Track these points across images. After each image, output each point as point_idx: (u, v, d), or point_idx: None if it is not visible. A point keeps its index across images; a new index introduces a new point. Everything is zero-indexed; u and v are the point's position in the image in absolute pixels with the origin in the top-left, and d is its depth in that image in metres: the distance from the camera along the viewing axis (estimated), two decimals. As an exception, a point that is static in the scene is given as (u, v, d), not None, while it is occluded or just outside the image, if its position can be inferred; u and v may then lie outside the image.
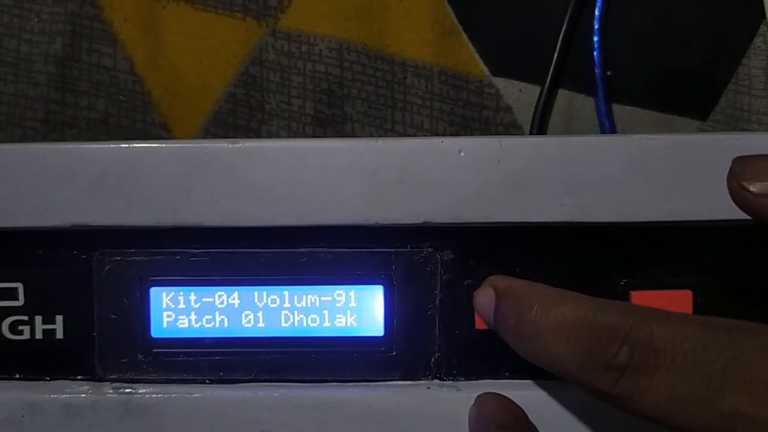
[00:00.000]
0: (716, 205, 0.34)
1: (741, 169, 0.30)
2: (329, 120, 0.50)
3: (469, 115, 0.50)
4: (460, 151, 0.35)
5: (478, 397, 0.35)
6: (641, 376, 0.28)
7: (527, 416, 0.35)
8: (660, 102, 0.49)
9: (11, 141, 0.51)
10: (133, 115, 0.51)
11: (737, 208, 0.30)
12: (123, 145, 0.35)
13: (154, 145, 0.35)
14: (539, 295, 0.32)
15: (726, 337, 0.27)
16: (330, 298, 0.37)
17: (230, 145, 0.35)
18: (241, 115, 0.51)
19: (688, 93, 0.49)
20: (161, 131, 0.51)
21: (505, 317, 0.33)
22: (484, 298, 0.35)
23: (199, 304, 0.37)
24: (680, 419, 0.27)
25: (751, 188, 0.29)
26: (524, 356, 0.33)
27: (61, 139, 0.51)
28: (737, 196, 0.30)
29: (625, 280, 0.36)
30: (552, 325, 0.31)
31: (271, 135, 0.50)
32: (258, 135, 0.50)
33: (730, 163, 0.32)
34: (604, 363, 0.28)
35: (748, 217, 0.33)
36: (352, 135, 0.50)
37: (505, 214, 0.35)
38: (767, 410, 0.26)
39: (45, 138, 0.51)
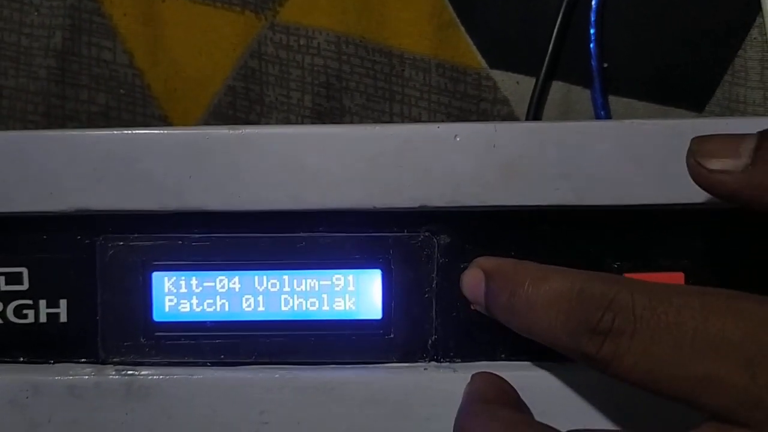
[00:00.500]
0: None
1: (698, 147, 0.31)
2: (328, 112, 0.51)
3: (467, 107, 0.50)
4: (456, 137, 0.35)
5: (472, 375, 0.36)
6: (621, 340, 0.29)
7: (518, 394, 0.35)
8: (656, 94, 0.49)
9: (14, 133, 0.51)
10: (134, 109, 0.51)
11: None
12: (125, 132, 0.35)
13: (156, 131, 0.36)
14: (529, 271, 0.33)
15: (700, 303, 0.28)
16: (329, 282, 0.37)
17: (231, 132, 0.35)
18: (241, 108, 0.51)
19: (685, 85, 0.49)
20: (161, 124, 0.51)
21: (497, 295, 0.34)
22: (473, 278, 0.36)
23: (201, 288, 0.37)
24: (655, 381, 0.28)
25: (708, 165, 0.31)
26: (516, 330, 0.34)
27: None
28: (695, 172, 0.32)
29: (618, 263, 0.37)
30: (543, 298, 0.32)
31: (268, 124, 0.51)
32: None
33: None
34: (589, 329, 0.30)
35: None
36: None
37: (500, 199, 0.35)
38: (734, 371, 0.27)
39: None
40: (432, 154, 0.35)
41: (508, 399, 0.35)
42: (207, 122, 0.51)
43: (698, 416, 0.29)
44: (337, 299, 0.37)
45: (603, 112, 0.49)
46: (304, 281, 0.37)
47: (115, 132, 0.35)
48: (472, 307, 0.36)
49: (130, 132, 0.35)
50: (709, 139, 0.32)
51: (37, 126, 0.51)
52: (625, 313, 0.29)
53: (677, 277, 0.36)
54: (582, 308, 0.30)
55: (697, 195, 0.35)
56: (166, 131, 0.36)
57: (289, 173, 0.35)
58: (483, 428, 0.32)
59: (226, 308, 0.37)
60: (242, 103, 0.51)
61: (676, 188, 0.35)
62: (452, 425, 0.35)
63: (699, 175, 0.31)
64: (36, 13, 0.51)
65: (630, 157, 0.35)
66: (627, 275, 0.36)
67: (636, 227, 0.37)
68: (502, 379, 0.36)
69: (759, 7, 0.48)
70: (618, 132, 0.35)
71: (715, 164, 0.31)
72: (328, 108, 0.50)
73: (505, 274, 0.34)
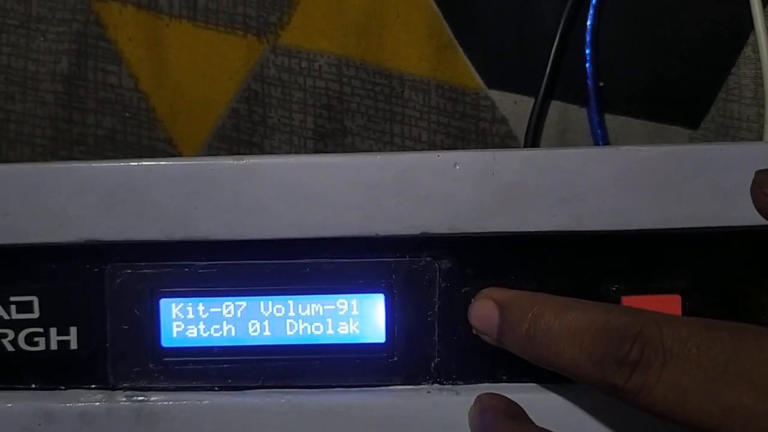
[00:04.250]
0: (704, 213, 0.36)
1: (764, 178, 0.33)
2: (330, 134, 0.51)
3: (466, 127, 0.51)
4: (455, 165, 0.36)
5: (478, 396, 0.37)
6: (651, 372, 0.29)
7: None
8: (652, 111, 0.50)
9: (21, 158, 0.52)
10: (139, 132, 0.52)
11: (728, 211, 0.34)
12: (132, 163, 0.36)
13: (162, 162, 0.36)
14: (548, 303, 0.34)
15: (728, 336, 0.29)
16: (333, 307, 0.38)
17: (235, 162, 0.36)
18: (244, 129, 0.52)
19: (679, 102, 0.50)
20: (166, 147, 0.52)
21: (514, 326, 0.34)
22: (484, 309, 0.36)
23: (207, 314, 0.38)
24: (685, 412, 0.29)
25: None
26: (534, 361, 0.34)
27: (70, 156, 0.52)
28: (759, 201, 0.33)
29: (616, 286, 0.37)
30: (566, 330, 0.32)
31: (273, 149, 0.51)
32: (261, 149, 0.51)
33: (716, 173, 0.35)
34: (617, 361, 0.30)
35: (732, 225, 0.34)
36: (352, 148, 0.51)
37: (499, 225, 0.36)
38: (764, 402, 0.28)
39: (54, 155, 0.52)
40: (432, 182, 0.36)
41: (524, 414, 0.36)
42: (211, 144, 0.52)
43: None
44: (341, 323, 0.38)
45: (599, 131, 0.49)
46: (308, 306, 0.38)
47: (122, 164, 0.36)
48: (474, 332, 0.37)
49: (136, 164, 0.36)
50: None
51: (45, 149, 0.52)
52: (655, 345, 0.30)
53: (674, 300, 0.37)
54: (609, 339, 0.31)
55: (693, 219, 0.36)
56: (171, 162, 0.36)
57: (292, 202, 0.36)
58: None
59: (233, 333, 0.38)
60: (246, 125, 0.52)
61: (672, 213, 0.36)
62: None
63: (763, 204, 0.33)
64: (42, 39, 0.52)
65: (627, 182, 0.36)
66: (625, 298, 0.37)
67: (633, 251, 0.37)
68: (510, 399, 0.36)
69: (752, 25, 0.48)
70: (615, 158, 0.36)
71: None
72: (329, 129, 0.51)
73: (522, 305, 0.34)
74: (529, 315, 0.33)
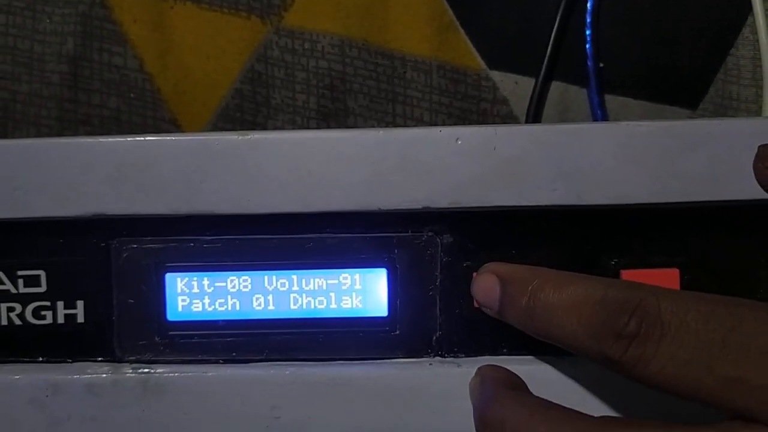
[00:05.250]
0: (702, 187, 0.36)
1: (765, 152, 0.34)
2: (332, 114, 0.52)
3: (467, 107, 0.51)
4: (457, 140, 0.36)
5: (479, 368, 0.37)
6: (649, 344, 0.30)
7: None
8: (651, 92, 0.51)
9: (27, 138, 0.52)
10: (144, 112, 0.53)
11: (726, 186, 0.35)
12: (139, 139, 0.37)
13: (168, 138, 0.37)
14: (549, 276, 0.34)
15: (725, 310, 0.30)
16: (336, 281, 0.38)
17: (240, 137, 0.37)
18: (248, 110, 0.52)
19: (679, 83, 0.50)
20: (171, 127, 0.52)
21: (514, 299, 0.35)
22: (486, 283, 0.36)
23: (212, 288, 0.38)
24: (682, 384, 0.29)
25: None
26: (532, 334, 0.34)
27: (75, 136, 0.52)
28: (760, 174, 0.34)
29: (615, 260, 0.38)
30: (566, 302, 0.33)
31: (276, 129, 0.52)
32: (264, 129, 0.52)
33: (713, 147, 0.35)
34: (615, 333, 0.31)
35: (730, 199, 0.35)
36: (354, 128, 0.51)
37: (500, 199, 0.36)
38: (762, 374, 0.28)
39: (59, 135, 0.52)
40: (434, 157, 0.36)
41: (524, 384, 0.36)
42: (215, 124, 0.52)
43: (705, 412, 0.30)
44: (344, 297, 0.38)
45: (599, 111, 0.50)
46: (312, 280, 0.38)
47: (129, 139, 0.37)
48: (475, 305, 0.37)
49: (143, 139, 0.37)
50: None
51: (51, 130, 0.52)
52: (652, 317, 0.30)
53: (672, 274, 0.37)
54: (607, 312, 0.31)
55: (691, 194, 0.36)
56: (177, 138, 0.37)
57: (296, 177, 0.37)
58: (514, 413, 0.33)
59: (237, 307, 0.38)
60: (249, 105, 0.52)
61: (670, 187, 0.36)
62: (456, 419, 0.36)
63: (765, 177, 0.34)
64: (48, 21, 0.53)
65: (626, 157, 0.36)
66: (623, 272, 0.37)
67: (632, 225, 0.38)
68: (510, 371, 0.37)
69: (750, 7, 0.48)
70: (614, 133, 0.36)
71: None
72: (332, 109, 0.52)
73: (523, 278, 0.35)
74: (530, 288, 0.34)
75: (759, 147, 0.34)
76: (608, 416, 0.33)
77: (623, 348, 0.30)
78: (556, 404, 0.33)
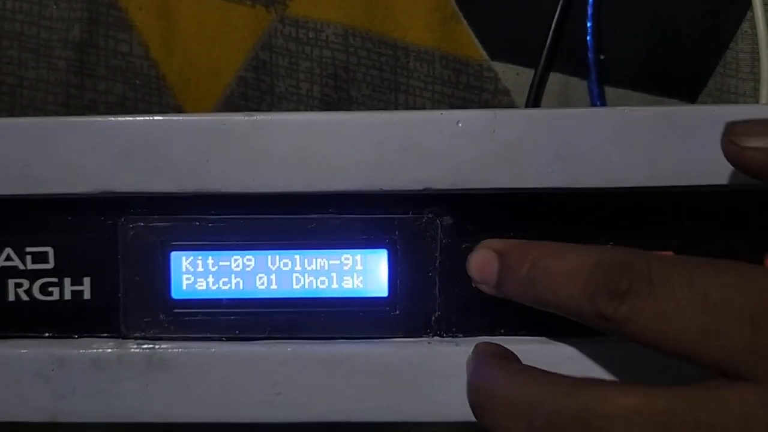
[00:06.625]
0: (697, 171, 0.37)
1: (733, 128, 0.34)
2: (336, 103, 0.52)
3: (469, 97, 0.52)
4: (458, 123, 0.37)
5: (476, 345, 0.38)
6: (637, 300, 0.31)
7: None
8: (650, 84, 0.51)
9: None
10: (149, 99, 0.53)
11: (720, 171, 0.36)
12: (147, 118, 0.37)
13: (175, 118, 0.37)
14: (547, 246, 0.35)
15: (711, 268, 0.31)
16: (338, 262, 0.39)
17: (246, 118, 0.37)
18: (252, 98, 0.53)
19: (678, 76, 0.51)
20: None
21: (514, 270, 0.35)
22: (483, 258, 0.37)
23: (217, 267, 0.39)
24: (666, 339, 0.31)
25: (740, 143, 0.33)
26: (532, 303, 0.35)
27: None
28: (727, 150, 0.34)
29: (611, 242, 0.38)
30: (565, 268, 0.34)
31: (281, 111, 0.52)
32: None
33: (708, 133, 0.36)
34: (608, 291, 0.32)
35: (724, 183, 0.36)
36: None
37: (500, 181, 0.37)
38: (741, 326, 0.29)
39: (66, 119, 0.53)
40: (435, 140, 0.37)
41: (512, 355, 0.37)
42: (220, 112, 0.53)
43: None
44: (345, 278, 0.39)
45: (599, 102, 0.50)
46: (314, 260, 0.39)
47: (138, 118, 0.37)
48: (474, 285, 0.38)
49: (150, 118, 0.37)
50: (743, 122, 0.34)
51: (57, 115, 0.53)
52: (642, 275, 0.31)
53: (667, 256, 0.38)
54: (602, 274, 0.32)
55: (686, 178, 0.37)
56: (184, 117, 0.37)
57: (300, 157, 0.37)
58: (503, 379, 0.34)
59: (241, 286, 0.39)
60: (253, 93, 0.53)
61: (666, 171, 0.37)
62: (454, 396, 0.37)
63: (731, 152, 0.34)
64: (55, 7, 0.53)
65: (623, 141, 0.37)
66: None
67: (628, 208, 0.38)
68: (505, 347, 0.38)
69: (750, 2, 0.49)
70: (612, 118, 0.37)
71: (746, 142, 0.33)
72: (335, 98, 0.52)
73: (522, 251, 0.36)
74: (529, 257, 0.35)
75: (726, 124, 0.34)
76: (591, 377, 0.33)
77: (615, 305, 0.31)
78: (542, 369, 0.34)
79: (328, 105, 0.52)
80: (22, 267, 0.39)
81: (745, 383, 0.29)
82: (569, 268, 0.33)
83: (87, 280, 0.39)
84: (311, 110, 0.52)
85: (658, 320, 0.31)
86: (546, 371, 0.34)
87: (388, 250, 0.39)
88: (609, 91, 0.51)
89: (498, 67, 0.52)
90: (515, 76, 0.52)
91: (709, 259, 0.32)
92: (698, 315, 0.30)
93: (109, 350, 0.38)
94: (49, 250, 0.39)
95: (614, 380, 0.33)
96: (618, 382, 0.32)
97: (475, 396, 0.35)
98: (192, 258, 0.39)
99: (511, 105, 0.51)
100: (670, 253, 0.38)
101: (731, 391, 0.29)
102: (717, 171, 0.37)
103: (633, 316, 0.31)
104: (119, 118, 0.37)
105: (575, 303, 0.33)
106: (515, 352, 0.37)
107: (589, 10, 0.51)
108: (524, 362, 0.37)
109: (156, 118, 0.37)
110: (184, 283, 0.39)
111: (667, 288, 0.31)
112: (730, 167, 0.35)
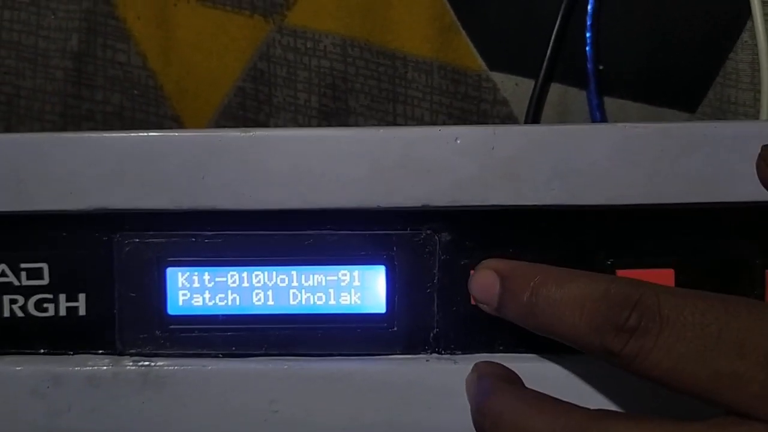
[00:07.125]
0: (697, 189, 0.37)
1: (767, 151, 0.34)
2: (334, 113, 0.52)
3: (468, 108, 0.52)
4: (456, 139, 0.37)
5: (476, 364, 0.37)
6: (647, 338, 0.31)
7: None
8: (650, 95, 0.51)
9: (31, 133, 0.53)
10: (147, 109, 0.53)
11: (720, 188, 0.36)
12: (142, 134, 0.37)
13: (170, 133, 0.37)
14: (550, 272, 0.35)
15: (722, 306, 0.30)
16: (335, 278, 0.39)
17: (242, 134, 0.37)
18: (250, 108, 0.53)
19: (678, 86, 0.51)
20: (173, 124, 0.53)
21: (515, 295, 0.35)
22: (485, 279, 0.37)
23: (213, 283, 0.39)
24: (679, 378, 0.30)
25: None
26: (534, 329, 0.35)
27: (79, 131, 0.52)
28: (764, 174, 0.34)
29: (611, 260, 0.38)
30: (567, 298, 0.33)
31: (278, 127, 0.52)
32: (266, 127, 0.52)
33: (709, 150, 0.36)
34: (616, 327, 0.31)
35: (725, 201, 0.35)
36: (355, 126, 0.52)
37: (499, 198, 0.37)
38: (755, 369, 0.29)
39: (63, 131, 0.52)
40: (434, 156, 0.37)
41: (521, 382, 0.37)
42: (217, 122, 0.53)
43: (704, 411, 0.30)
44: (343, 294, 0.39)
45: (598, 113, 0.50)
46: (311, 277, 0.39)
47: (132, 134, 0.37)
48: (472, 302, 0.38)
49: (146, 134, 0.37)
50: None
51: (54, 125, 0.53)
52: (652, 312, 0.31)
53: (667, 274, 0.37)
54: (608, 307, 0.32)
55: (687, 195, 0.37)
56: (180, 134, 0.37)
57: (297, 174, 0.37)
58: (511, 405, 0.34)
59: (237, 302, 0.39)
60: (251, 103, 0.53)
61: (666, 188, 0.37)
62: (452, 414, 0.37)
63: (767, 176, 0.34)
64: (53, 17, 0.53)
65: (623, 158, 0.36)
66: (619, 272, 0.37)
67: (628, 226, 0.38)
68: (506, 367, 0.37)
69: (750, 12, 0.49)
70: (611, 134, 0.37)
71: None
72: (334, 108, 0.52)
73: (524, 275, 0.35)
74: (531, 284, 0.34)
75: (762, 147, 0.35)
76: (604, 409, 0.33)
77: (623, 342, 0.31)
78: (552, 397, 0.34)
79: (326, 115, 0.52)
80: (17, 283, 0.39)
81: (758, 422, 0.29)
82: (573, 298, 0.33)
83: (82, 297, 0.39)
84: (309, 120, 0.52)
85: (670, 360, 0.30)
86: (557, 399, 0.34)
87: (386, 266, 0.39)
88: (608, 101, 0.51)
89: (497, 77, 0.52)
90: (514, 87, 0.51)
91: (718, 295, 0.31)
92: (711, 357, 0.30)
93: (105, 367, 0.38)
94: (44, 266, 0.39)
95: (626, 413, 0.33)
96: (631, 415, 0.32)
97: (481, 419, 0.35)
98: (188, 274, 0.39)
99: (510, 115, 0.51)
100: (671, 271, 0.37)
101: (744, 430, 0.29)
102: (718, 188, 0.36)
103: (642, 353, 0.31)
104: (114, 134, 0.37)
105: (579, 334, 0.33)
106: (514, 370, 0.37)
107: (589, 21, 0.50)
108: (524, 379, 0.37)
109: (151, 133, 0.37)
110: (180, 299, 0.39)
111: (678, 327, 0.30)
112: (732, 183, 0.34)
